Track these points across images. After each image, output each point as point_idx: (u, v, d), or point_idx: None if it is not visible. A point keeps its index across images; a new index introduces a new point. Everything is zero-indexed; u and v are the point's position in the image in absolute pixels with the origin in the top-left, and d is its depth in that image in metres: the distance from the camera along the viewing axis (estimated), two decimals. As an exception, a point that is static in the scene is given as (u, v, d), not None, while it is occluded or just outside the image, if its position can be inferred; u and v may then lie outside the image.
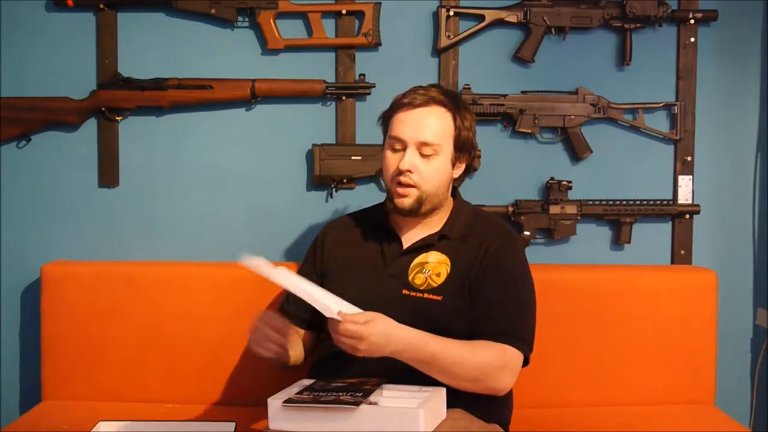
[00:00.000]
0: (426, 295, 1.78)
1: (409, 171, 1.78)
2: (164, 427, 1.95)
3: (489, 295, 1.78)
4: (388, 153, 1.83)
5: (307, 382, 1.73)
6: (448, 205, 1.90)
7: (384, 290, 1.81)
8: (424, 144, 1.78)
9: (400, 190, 1.80)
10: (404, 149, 1.79)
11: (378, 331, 1.59)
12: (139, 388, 2.26)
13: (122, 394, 2.26)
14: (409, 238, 1.87)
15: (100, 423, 1.96)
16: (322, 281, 1.91)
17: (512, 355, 1.73)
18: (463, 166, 1.88)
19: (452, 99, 1.84)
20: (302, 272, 1.97)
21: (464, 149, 1.84)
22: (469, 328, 1.77)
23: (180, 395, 2.25)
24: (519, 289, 1.81)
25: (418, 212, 1.82)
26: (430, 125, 1.79)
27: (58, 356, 2.27)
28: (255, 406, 2.04)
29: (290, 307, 1.92)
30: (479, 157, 2.37)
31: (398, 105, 1.83)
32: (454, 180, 1.90)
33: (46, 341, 2.28)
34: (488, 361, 1.70)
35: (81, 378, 2.27)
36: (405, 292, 1.80)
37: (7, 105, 2.38)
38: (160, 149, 2.44)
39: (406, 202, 1.80)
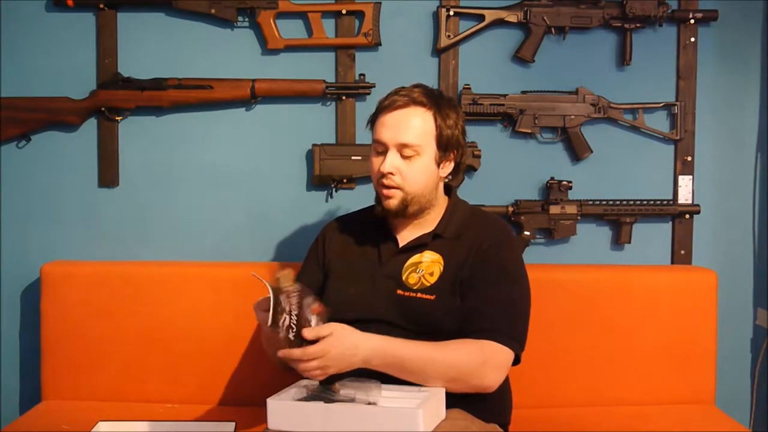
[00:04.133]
0: (419, 295, 1.78)
1: (391, 173, 1.78)
2: (164, 427, 1.96)
3: (478, 292, 1.77)
4: (373, 156, 1.84)
5: (306, 382, 1.73)
6: (442, 204, 1.90)
7: (380, 290, 1.82)
8: (404, 146, 1.78)
9: (385, 191, 1.80)
10: (386, 152, 1.79)
11: (340, 343, 1.58)
12: (139, 388, 2.26)
13: (122, 394, 2.26)
14: (404, 238, 1.87)
15: (100, 423, 1.96)
16: (325, 280, 1.92)
17: (494, 351, 1.71)
18: (451, 164, 1.86)
19: (433, 98, 1.82)
20: (305, 271, 1.97)
21: (449, 147, 1.83)
22: (460, 326, 1.76)
23: (180, 395, 2.26)
24: (509, 286, 1.80)
25: (405, 213, 1.82)
26: (410, 126, 1.78)
27: (58, 356, 2.28)
28: (255, 406, 2.04)
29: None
30: (479, 157, 2.38)
31: (380, 108, 1.83)
32: (452, 179, 1.90)
33: (46, 341, 2.29)
34: (464, 360, 1.68)
35: (81, 378, 2.27)
36: (399, 292, 1.80)
37: (7, 105, 2.38)
38: (160, 149, 2.44)
39: (392, 203, 1.81)
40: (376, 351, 1.63)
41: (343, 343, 1.59)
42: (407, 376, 1.66)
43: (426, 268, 1.82)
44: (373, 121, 1.85)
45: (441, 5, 2.38)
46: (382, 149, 1.80)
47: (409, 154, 1.78)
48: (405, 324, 1.77)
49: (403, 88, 1.84)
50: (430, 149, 1.80)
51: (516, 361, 1.77)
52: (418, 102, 1.80)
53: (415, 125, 1.78)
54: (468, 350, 1.69)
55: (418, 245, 1.85)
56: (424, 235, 1.86)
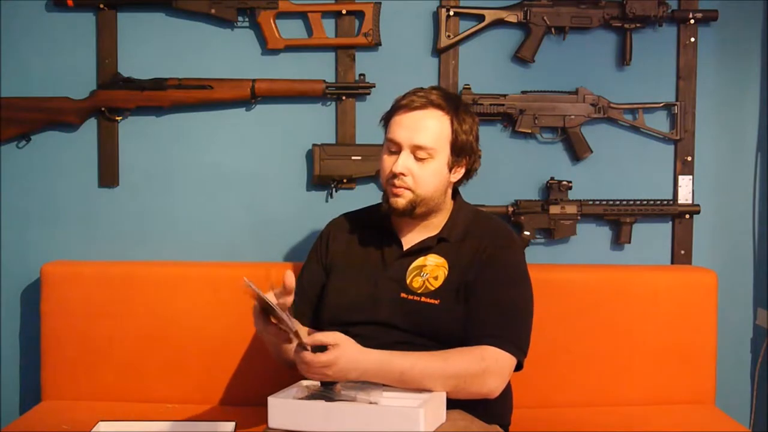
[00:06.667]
0: (423, 299, 1.77)
1: (403, 174, 1.77)
2: (164, 427, 1.96)
3: (481, 296, 1.76)
4: (385, 155, 1.82)
5: (307, 382, 1.73)
6: (448, 207, 1.89)
7: (383, 293, 1.81)
8: (419, 148, 1.77)
9: (394, 190, 1.79)
10: (399, 152, 1.78)
11: (345, 357, 1.57)
12: (139, 388, 2.26)
13: (122, 394, 2.26)
14: (408, 241, 1.86)
15: (100, 423, 1.96)
16: (326, 277, 1.92)
17: (496, 358, 1.69)
18: (462, 170, 1.86)
19: (452, 102, 1.81)
20: (308, 268, 1.97)
21: (462, 153, 1.83)
22: (463, 331, 1.75)
23: (180, 395, 2.25)
24: (512, 292, 1.78)
25: (411, 213, 1.81)
26: (426, 129, 1.77)
27: (58, 356, 2.28)
28: (255, 406, 2.04)
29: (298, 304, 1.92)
30: (479, 157, 2.37)
31: (397, 107, 1.82)
32: (455, 182, 1.89)
33: (46, 341, 2.28)
34: (464, 369, 1.66)
35: (81, 378, 2.27)
36: (403, 295, 1.79)
37: (7, 105, 2.38)
38: (160, 149, 2.44)
39: (400, 202, 1.79)
40: (374, 366, 1.61)
41: (348, 360, 1.57)
42: (406, 387, 1.65)
43: (430, 271, 1.81)
44: (387, 119, 1.84)
45: (441, 5, 2.38)
46: (396, 149, 1.79)
47: (423, 156, 1.77)
48: (408, 327, 1.77)
49: (422, 89, 1.83)
50: (444, 153, 1.79)
51: (518, 366, 1.76)
52: (436, 104, 1.78)
53: (431, 128, 1.77)
54: (468, 358, 1.67)
55: (422, 248, 1.84)
56: (429, 238, 1.85)
